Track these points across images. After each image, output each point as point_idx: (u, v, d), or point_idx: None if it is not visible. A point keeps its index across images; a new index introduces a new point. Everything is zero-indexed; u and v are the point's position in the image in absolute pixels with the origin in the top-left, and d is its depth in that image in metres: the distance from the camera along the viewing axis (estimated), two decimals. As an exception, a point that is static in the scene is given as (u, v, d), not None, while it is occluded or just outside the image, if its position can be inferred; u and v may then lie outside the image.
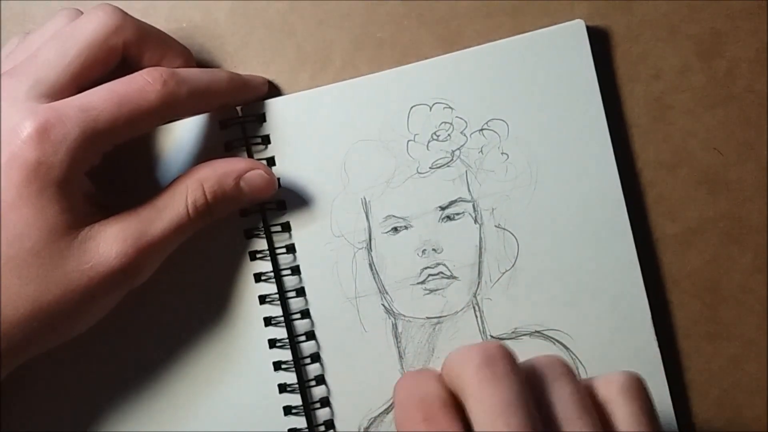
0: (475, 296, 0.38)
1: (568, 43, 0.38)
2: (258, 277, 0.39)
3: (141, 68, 0.35)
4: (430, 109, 0.38)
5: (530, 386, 0.30)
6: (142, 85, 0.33)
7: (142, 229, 0.34)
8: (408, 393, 0.31)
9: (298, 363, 0.38)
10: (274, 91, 0.40)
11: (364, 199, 0.38)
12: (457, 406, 0.30)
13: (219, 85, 0.36)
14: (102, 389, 0.38)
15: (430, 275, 0.38)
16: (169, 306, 0.39)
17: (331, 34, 0.39)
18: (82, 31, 0.34)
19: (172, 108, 0.34)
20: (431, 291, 0.38)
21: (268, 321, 0.38)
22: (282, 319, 0.38)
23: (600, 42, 0.39)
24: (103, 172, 0.35)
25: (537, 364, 0.31)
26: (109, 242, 0.33)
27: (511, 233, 0.38)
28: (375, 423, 0.38)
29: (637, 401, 0.31)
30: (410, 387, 0.31)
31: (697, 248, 0.39)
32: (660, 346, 0.38)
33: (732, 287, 0.39)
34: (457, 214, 0.38)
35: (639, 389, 0.31)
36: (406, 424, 0.30)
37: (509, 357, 0.29)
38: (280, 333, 0.38)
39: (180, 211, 0.35)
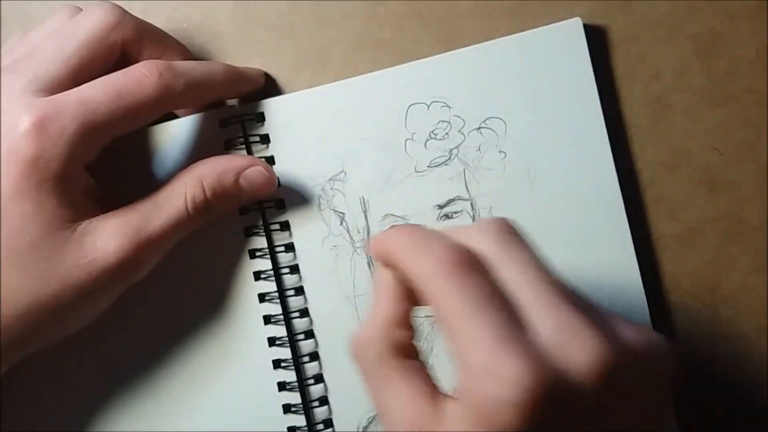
0: (473, 295, 0.38)
1: (565, 41, 0.38)
2: (257, 276, 0.39)
3: None
4: (428, 107, 0.38)
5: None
6: (138, 77, 0.34)
7: (141, 225, 0.34)
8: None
9: (297, 361, 0.38)
10: (274, 90, 0.40)
11: (363, 198, 0.38)
12: None
13: (215, 77, 0.36)
14: (100, 386, 0.39)
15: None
16: (169, 303, 0.39)
17: (331, 34, 0.40)
18: (81, 28, 0.34)
19: (169, 100, 0.35)
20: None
21: (267, 319, 0.39)
22: (281, 317, 0.38)
23: (599, 41, 0.39)
24: (103, 167, 0.36)
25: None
26: (108, 237, 0.33)
27: (509, 232, 0.38)
28: (374, 422, 0.38)
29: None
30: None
31: (697, 248, 0.39)
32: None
33: (732, 287, 0.38)
34: (455, 212, 0.38)
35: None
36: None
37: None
38: (280, 331, 0.38)
39: (179, 207, 0.35)
